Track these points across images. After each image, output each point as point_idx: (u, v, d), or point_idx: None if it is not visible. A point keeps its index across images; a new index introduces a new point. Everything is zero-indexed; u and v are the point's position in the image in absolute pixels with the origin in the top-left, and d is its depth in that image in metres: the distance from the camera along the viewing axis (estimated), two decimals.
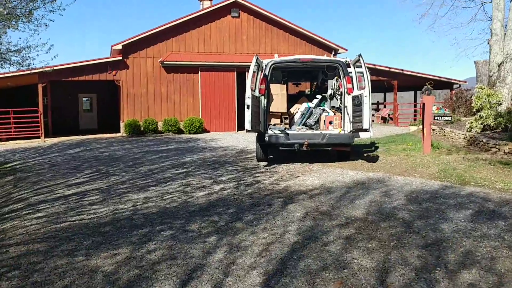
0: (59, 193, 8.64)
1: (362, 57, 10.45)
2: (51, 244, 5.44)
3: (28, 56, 11.77)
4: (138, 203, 7.45)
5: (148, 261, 4.75)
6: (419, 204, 6.71)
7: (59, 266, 4.68)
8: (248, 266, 4.53)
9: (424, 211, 6.34)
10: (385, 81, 28.78)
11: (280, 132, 10.99)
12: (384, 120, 32.11)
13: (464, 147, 12.86)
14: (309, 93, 15.02)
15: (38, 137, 22.06)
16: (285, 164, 11.15)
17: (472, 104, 14.48)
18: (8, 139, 21.90)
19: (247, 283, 4.13)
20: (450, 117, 14.20)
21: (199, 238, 5.44)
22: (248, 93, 10.09)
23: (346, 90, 11.18)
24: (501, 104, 13.89)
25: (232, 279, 4.23)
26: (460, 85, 28.93)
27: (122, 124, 24.09)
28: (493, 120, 13.04)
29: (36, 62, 12.10)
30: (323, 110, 12.24)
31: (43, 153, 16.32)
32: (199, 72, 24.78)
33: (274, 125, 11.66)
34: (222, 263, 4.61)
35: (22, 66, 11.91)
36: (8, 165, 13.10)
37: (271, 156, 12.37)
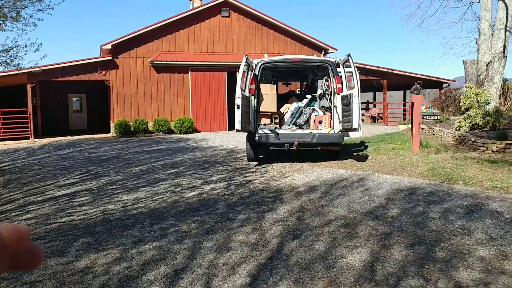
0: (49, 194, 8.62)
1: (351, 57, 10.51)
2: (40, 245, 5.42)
3: (17, 56, 11.74)
4: (128, 204, 7.45)
5: (138, 261, 4.77)
6: (407, 203, 6.77)
7: (49, 267, 4.68)
8: (237, 265, 4.55)
9: (412, 209, 6.40)
10: (375, 81, 28.93)
11: (270, 131, 11.03)
12: (374, 119, 32.27)
13: (452, 146, 12.97)
14: (299, 92, 15.08)
15: (28, 138, 21.94)
16: (275, 164, 11.20)
17: (461, 103, 14.62)
18: None
19: (236, 282, 4.16)
20: (438, 116, 14.33)
21: (189, 238, 5.46)
22: (238, 93, 10.11)
23: (335, 90, 11.23)
24: (489, 103, 14.04)
25: (221, 278, 4.26)
26: (449, 84, 29.14)
27: (112, 125, 24.01)
28: (481, 119, 13.17)
29: (25, 62, 12.13)
30: (313, 109, 12.29)
31: (33, 154, 16.24)
32: (190, 72, 24.76)
33: (264, 124, 11.70)
34: (212, 263, 4.64)
35: (10, 66, 11.87)
36: None
37: (262, 156, 12.41)
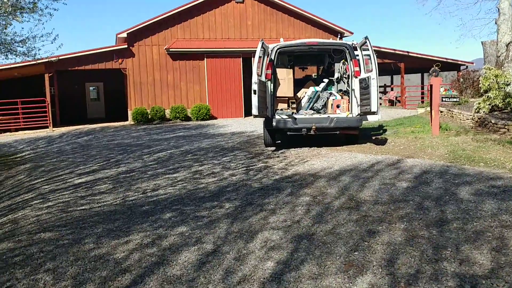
0: (69, 182, 8.70)
1: (368, 40, 10.36)
2: (62, 232, 5.48)
3: (34, 47, 11.81)
4: (148, 191, 7.48)
5: (159, 247, 4.78)
6: (429, 186, 6.69)
7: (71, 254, 4.72)
8: (259, 251, 4.54)
9: (435, 192, 6.32)
10: (392, 64, 28.61)
11: (287, 116, 10.97)
12: (391, 103, 31.95)
13: (472, 128, 12.78)
14: (315, 77, 14.96)
15: (47, 127, 22.16)
16: (293, 149, 11.15)
17: (480, 85, 14.35)
18: (17, 130, 22.04)
19: (260, 268, 4.15)
20: (457, 99, 14.10)
21: (210, 224, 5.47)
22: (254, 78, 10.05)
23: (353, 73, 11.11)
24: (509, 84, 13.75)
25: (245, 263, 4.25)
26: (467, 66, 28.69)
27: (129, 112, 24.14)
28: (502, 100, 12.93)
29: (42, 52, 12.10)
30: (330, 93, 12.19)
31: (52, 142, 16.40)
32: (205, 59, 24.71)
33: (281, 110, 11.63)
34: (234, 248, 4.63)
35: (28, 57, 11.96)
36: (18, 155, 13.19)
37: (279, 141, 12.37)
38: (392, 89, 35.32)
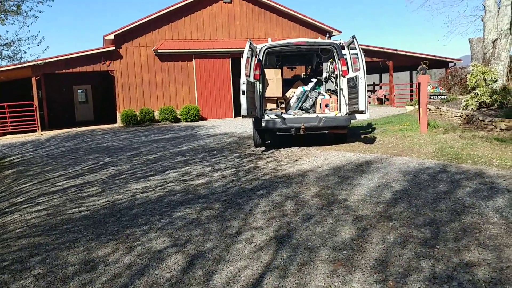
0: (58, 185, 8.66)
1: (356, 39, 10.40)
2: (51, 236, 5.46)
3: (19, 50, 11.73)
4: (137, 193, 7.47)
5: (149, 249, 4.78)
6: (418, 184, 6.73)
7: (61, 258, 4.71)
8: (248, 250, 4.55)
9: (423, 190, 6.36)
10: (380, 62, 28.75)
11: (276, 117, 10.99)
12: (380, 101, 32.11)
13: (460, 125, 12.87)
14: (304, 76, 14.99)
15: (35, 131, 22.02)
16: (282, 149, 11.17)
17: (467, 82, 14.45)
18: (4, 134, 21.86)
19: (248, 267, 4.16)
20: (445, 96, 14.22)
21: (199, 225, 5.47)
22: (243, 79, 10.06)
23: (341, 73, 11.14)
24: (496, 81, 13.87)
25: (232, 264, 4.26)
26: (455, 63, 28.90)
27: (118, 115, 24.05)
28: (489, 97, 13.03)
29: (28, 56, 12.06)
30: (319, 93, 12.23)
31: (41, 146, 16.30)
32: (194, 59, 24.68)
33: (270, 110, 11.65)
34: (222, 249, 4.64)
35: (13, 60, 11.87)
36: (6, 160, 13.09)
37: (269, 141, 12.39)
38: (381, 88, 35.50)
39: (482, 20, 15.84)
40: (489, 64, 14.84)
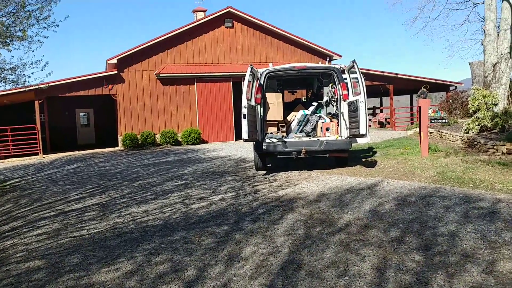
0: (59, 209, 8.64)
1: (356, 63, 10.49)
2: (51, 260, 5.44)
3: (23, 74, 11.81)
4: (138, 217, 7.45)
5: (150, 274, 4.75)
6: (418, 208, 6.72)
7: (60, 283, 4.68)
8: (249, 276, 4.53)
9: (424, 215, 6.34)
10: (381, 86, 28.89)
11: (277, 140, 11.02)
12: (381, 124, 32.15)
13: (461, 149, 12.87)
14: (305, 100, 15.06)
15: (37, 154, 22.04)
16: (283, 172, 11.17)
17: (469, 106, 14.52)
18: (6, 157, 21.88)
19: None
20: (446, 120, 14.25)
21: (200, 249, 5.44)
22: (244, 102, 10.12)
23: (341, 97, 11.20)
24: (497, 104, 13.93)
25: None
26: (456, 87, 29.02)
27: (120, 138, 24.09)
28: (490, 121, 13.07)
29: (31, 80, 12.11)
30: (320, 117, 12.27)
31: (42, 169, 16.31)
32: (195, 83, 24.84)
33: (271, 133, 11.68)
34: (223, 275, 4.61)
35: (17, 84, 11.95)
36: (7, 183, 13.09)
37: (270, 165, 12.40)
38: (381, 111, 35.59)
39: (482, 44, 15.97)
40: (490, 88, 14.92)
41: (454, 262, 4.55)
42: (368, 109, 35.57)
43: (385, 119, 32.21)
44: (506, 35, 15.00)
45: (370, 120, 32.31)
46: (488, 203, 6.72)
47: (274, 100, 11.89)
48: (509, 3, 14.90)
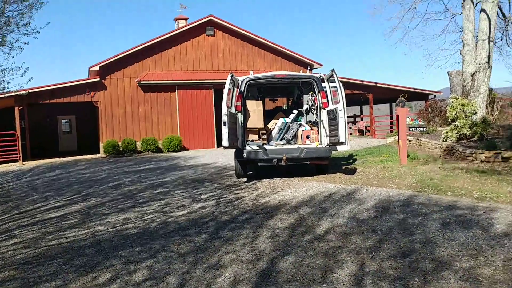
0: (38, 217, 8.55)
1: (335, 72, 10.60)
2: (28, 270, 5.37)
3: (3, 80, 11.67)
4: (118, 225, 7.40)
5: (128, 282, 4.73)
6: (397, 215, 6.79)
7: None
8: (228, 284, 4.53)
9: (402, 222, 6.41)
10: (361, 94, 29.17)
11: (258, 147, 11.05)
12: (361, 132, 32.43)
13: (440, 157, 13.02)
14: (286, 108, 15.14)
15: (17, 161, 21.76)
16: (264, 180, 11.19)
17: (447, 114, 14.70)
18: None
19: None
20: (424, 128, 14.44)
21: (179, 258, 5.43)
22: (224, 110, 10.15)
23: (321, 105, 11.31)
24: (475, 113, 14.13)
25: None
26: (435, 95, 29.42)
27: (101, 145, 23.93)
28: (469, 129, 13.25)
29: (11, 86, 11.95)
30: (300, 124, 12.35)
31: (22, 176, 16.11)
32: (176, 90, 24.81)
33: (252, 141, 11.71)
34: (201, 282, 4.61)
35: None
36: None
37: (251, 172, 12.41)
38: (361, 119, 35.90)
39: (460, 54, 16.21)
40: (468, 97, 15.14)
41: (431, 269, 4.61)
42: (349, 117, 35.91)
43: (365, 127, 32.49)
44: (484, 45, 15.26)
45: (350, 128, 32.60)
46: (466, 210, 6.82)
47: (255, 107, 11.94)
48: (486, 14, 15.17)
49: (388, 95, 30.45)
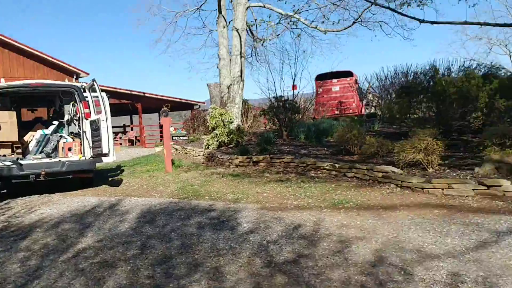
0: None
1: (96, 82, 10.38)
2: None
3: None
4: None
5: None
6: (156, 223, 6.90)
7: None
8: None
9: (161, 229, 6.55)
10: (130, 104, 29.09)
11: (11, 163, 10.14)
12: (131, 142, 32.31)
13: (203, 163, 13.71)
14: (46, 119, 14.24)
15: None
16: (20, 198, 10.31)
17: (208, 123, 15.59)
18: None
19: None
20: (187, 137, 15.09)
21: None
22: None
23: (83, 115, 10.92)
24: (232, 122, 15.25)
25: None
26: (199, 106, 30.93)
27: None
28: (227, 137, 14.25)
29: None
30: (61, 136, 11.75)
31: None
32: None
33: (4, 156, 10.71)
34: None
35: None
36: None
37: (4, 191, 11.33)
38: (132, 129, 35.79)
39: (217, 67, 17.35)
40: (226, 107, 16.26)
41: (184, 273, 4.81)
42: (118, 127, 35.47)
43: (135, 137, 32.47)
44: (237, 60, 16.58)
45: (120, 138, 32.21)
46: (219, 213, 7.28)
47: (7, 119, 10.92)
48: (238, 32, 16.51)
49: (156, 105, 30.94)
